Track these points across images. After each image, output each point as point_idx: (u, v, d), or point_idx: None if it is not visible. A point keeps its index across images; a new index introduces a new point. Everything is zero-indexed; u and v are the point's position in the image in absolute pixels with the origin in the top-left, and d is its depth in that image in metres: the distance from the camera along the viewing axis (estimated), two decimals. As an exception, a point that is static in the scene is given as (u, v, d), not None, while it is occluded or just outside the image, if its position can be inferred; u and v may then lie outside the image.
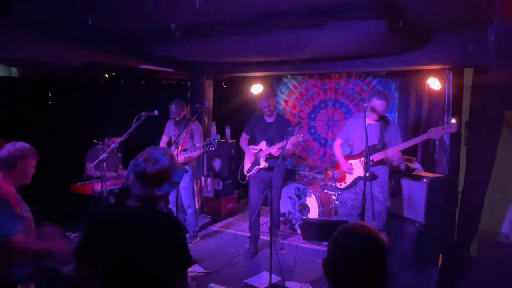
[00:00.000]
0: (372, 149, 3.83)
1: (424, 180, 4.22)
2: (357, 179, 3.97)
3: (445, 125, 3.63)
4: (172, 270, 1.81)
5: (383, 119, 3.92)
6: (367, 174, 3.34)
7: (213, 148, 4.51)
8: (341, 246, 1.36)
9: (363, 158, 3.89)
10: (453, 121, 4.64)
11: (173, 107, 4.83)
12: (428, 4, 3.13)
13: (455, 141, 4.77)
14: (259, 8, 3.40)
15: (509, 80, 2.95)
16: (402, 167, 4.64)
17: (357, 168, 3.97)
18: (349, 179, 4.03)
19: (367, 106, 3.59)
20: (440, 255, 4.41)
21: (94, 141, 4.58)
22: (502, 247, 4.41)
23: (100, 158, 4.12)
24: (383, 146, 3.83)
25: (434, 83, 4.98)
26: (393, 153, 3.75)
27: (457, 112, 4.78)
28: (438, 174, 4.66)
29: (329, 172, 5.31)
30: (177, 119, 4.87)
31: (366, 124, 3.42)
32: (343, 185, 4.08)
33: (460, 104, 4.77)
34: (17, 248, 2.40)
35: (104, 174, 4.08)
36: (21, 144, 2.69)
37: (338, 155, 4.17)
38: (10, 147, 2.63)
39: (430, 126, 5.27)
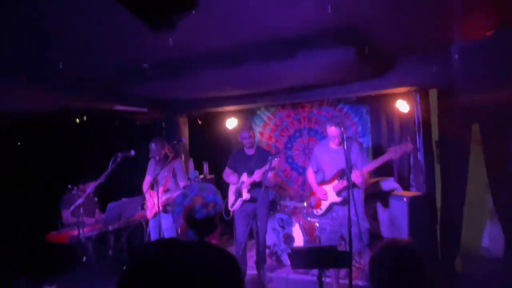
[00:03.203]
0: (341, 174, 3.88)
1: (405, 199, 4.29)
2: (332, 204, 4.00)
3: (402, 144, 3.71)
4: None
5: (346, 141, 3.97)
6: (351, 193, 3.35)
7: None
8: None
9: (335, 182, 3.95)
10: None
11: (153, 145, 4.68)
12: (391, 28, 3.30)
13: (429, 159, 4.91)
14: (231, 42, 3.48)
15: (473, 95, 3.11)
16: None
17: (330, 193, 4.00)
18: (324, 205, 4.05)
19: (343, 130, 3.64)
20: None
21: (69, 186, 4.44)
22: (484, 261, 4.47)
23: (76, 203, 3.98)
24: (351, 169, 3.84)
25: (402, 106, 5.18)
26: (355, 175, 3.71)
27: (427, 132, 4.95)
28: (416, 192, 4.75)
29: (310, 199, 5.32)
30: (157, 158, 4.76)
31: (345, 148, 3.46)
32: (319, 211, 4.10)
33: (429, 124, 4.95)
34: None
35: (81, 220, 3.93)
36: None
37: (311, 182, 4.23)
38: None
39: (403, 147, 5.43)
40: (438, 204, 4.79)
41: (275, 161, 3.98)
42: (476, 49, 2.41)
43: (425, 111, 4.91)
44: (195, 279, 1.70)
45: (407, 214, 4.22)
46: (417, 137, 4.99)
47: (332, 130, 3.81)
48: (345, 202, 3.85)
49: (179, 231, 1.89)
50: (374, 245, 1.59)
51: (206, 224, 1.87)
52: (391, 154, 3.67)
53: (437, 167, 4.94)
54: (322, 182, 4.13)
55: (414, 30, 3.32)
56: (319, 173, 4.31)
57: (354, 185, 3.85)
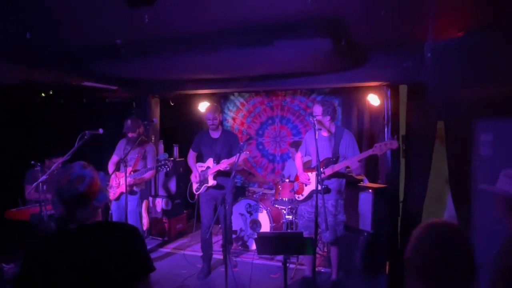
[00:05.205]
0: (326, 162, 3.94)
1: (370, 190, 4.42)
2: (313, 192, 4.04)
3: (387, 140, 3.81)
4: (134, 279, 1.71)
5: (337, 129, 4.03)
6: (320, 186, 3.42)
7: (167, 169, 4.36)
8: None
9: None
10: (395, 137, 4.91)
11: (128, 122, 4.56)
12: (368, 23, 3.34)
13: (395, 153, 5.06)
14: (208, 25, 3.42)
15: (440, 93, 3.21)
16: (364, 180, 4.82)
17: (313, 180, 4.05)
18: (306, 191, 4.11)
19: (315, 120, 3.69)
20: (387, 263, 4.60)
21: (32, 162, 4.29)
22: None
23: (39, 180, 3.86)
24: (337, 159, 3.93)
25: (373, 99, 5.29)
26: (351, 161, 3.82)
27: (395, 126, 5.10)
28: (381, 185, 4.90)
29: (279, 187, 5.38)
30: (130, 135, 4.64)
31: (316, 137, 3.52)
32: (301, 197, 4.15)
33: (398, 118, 5.09)
34: None
35: (44, 197, 3.82)
36: None
37: (298, 166, 4.25)
38: None
39: (371, 140, 5.58)
40: (401, 197, 4.96)
41: (244, 154, 3.98)
42: (448, 48, 2.50)
43: (394, 106, 5.04)
44: (97, 260, 1.67)
45: (371, 205, 4.36)
46: (385, 131, 5.12)
47: (315, 108, 3.88)
48: (326, 191, 3.88)
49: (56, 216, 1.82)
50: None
51: (78, 200, 1.73)
52: (376, 150, 3.71)
53: (402, 161, 5.11)
54: (309, 168, 4.17)
55: (389, 27, 3.38)
56: (309, 160, 4.34)
57: (338, 175, 3.93)
